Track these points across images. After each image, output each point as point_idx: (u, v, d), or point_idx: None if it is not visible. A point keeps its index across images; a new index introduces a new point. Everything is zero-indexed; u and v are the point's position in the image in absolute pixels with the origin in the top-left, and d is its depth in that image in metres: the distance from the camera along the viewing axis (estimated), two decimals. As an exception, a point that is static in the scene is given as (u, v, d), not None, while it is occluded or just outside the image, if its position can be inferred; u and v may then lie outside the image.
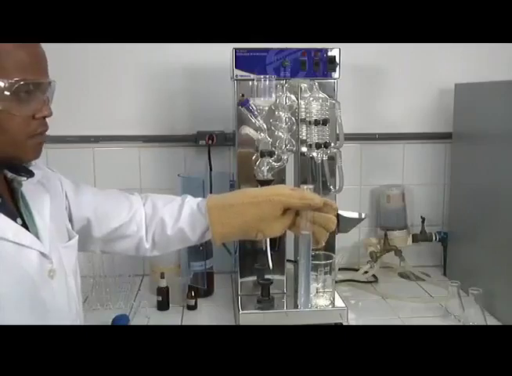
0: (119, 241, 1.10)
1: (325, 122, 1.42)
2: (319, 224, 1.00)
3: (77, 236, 1.01)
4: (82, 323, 1.02)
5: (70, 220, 1.05)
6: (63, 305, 0.92)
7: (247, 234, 1.04)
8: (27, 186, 0.92)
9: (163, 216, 1.09)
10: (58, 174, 1.06)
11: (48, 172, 1.02)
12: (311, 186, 1.03)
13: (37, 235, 0.89)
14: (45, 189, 0.97)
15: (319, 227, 1.01)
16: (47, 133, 0.92)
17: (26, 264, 0.85)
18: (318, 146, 1.43)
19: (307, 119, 1.45)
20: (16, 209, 0.90)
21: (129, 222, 1.09)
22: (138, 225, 1.10)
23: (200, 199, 1.11)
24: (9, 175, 0.90)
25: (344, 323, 1.48)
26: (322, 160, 1.46)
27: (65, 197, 1.05)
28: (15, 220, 0.86)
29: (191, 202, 1.10)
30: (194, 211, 1.08)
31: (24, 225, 0.88)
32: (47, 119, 0.89)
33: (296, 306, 1.49)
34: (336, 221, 1.01)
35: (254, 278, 1.58)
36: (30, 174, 0.92)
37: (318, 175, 1.48)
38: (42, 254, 0.88)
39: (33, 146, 0.87)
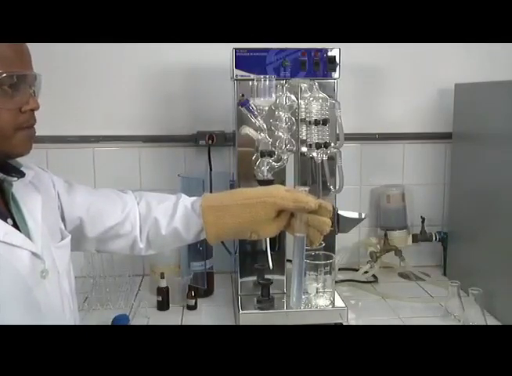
0: (113, 241, 1.10)
1: (325, 122, 1.42)
2: (313, 226, 1.00)
3: (70, 236, 1.01)
4: (77, 323, 1.02)
5: (63, 220, 1.05)
6: (56, 305, 0.92)
7: (242, 235, 1.05)
8: (18, 187, 0.92)
9: (157, 216, 1.09)
10: (50, 174, 1.06)
11: (40, 172, 1.02)
12: (306, 188, 1.03)
13: (28, 235, 0.89)
14: (37, 190, 0.97)
15: (314, 229, 1.00)
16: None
17: (18, 264, 0.85)
18: (318, 146, 1.43)
19: (307, 119, 1.45)
20: (7, 210, 0.90)
21: (123, 221, 1.09)
22: (132, 224, 1.09)
23: (194, 198, 1.11)
24: (0, 175, 0.89)
25: (344, 323, 1.48)
26: (322, 160, 1.46)
27: (57, 197, 1.04)
28: (5, 220, 0.86)
29: (185, 201, 1.10)
30: (188, 211, 1.08)
31: (15, 225, 0.88)
32: (36, 113, 0.89)
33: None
34: (330, 223, 1.00)
35: (254, 278, 1.58)
36: (21, 174, 0.92)
37: (318, 175, 1.48)
38: (34, 254, 0.88)
39: (21, 139, 0.87)
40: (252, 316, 1.47)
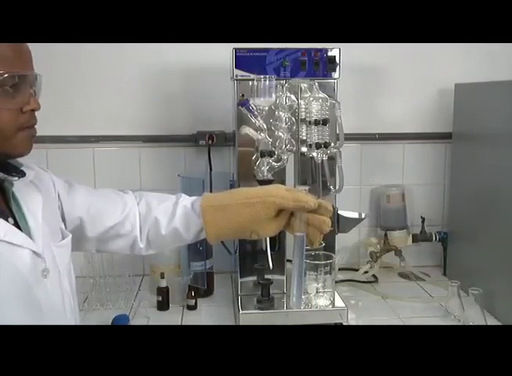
0: (113, 240, 1.10)
1: (325, 122, 1.42)
2: (313, 225, 1.00)
3: (71, 236, 1.02)
4: (77, 322, 1.02)
5: (63, 220, 1.05)
6: (57, 304, 0.93)
7: (241, 234, 1.05)
8: (19, 186, 0.92)
9: (157, 216, 1.09)
10: (50, 174, 1.06)
11: (40, 172, 1.02)
12: (306, 188, 1.03)
13: (29, 234, 0.89)
14: (38, 190, 0.97)
15: (314, 229, 1.00)
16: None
17: (19, 263, 0.85)
18: (318, 146, 1.43)
19: (307, 119, 1.45)
20: (8, 209, 0.90)
21: (123, 221, 1.09)
22: (132, 224, 1.10)
23: (194, 198, 1.11)
24: (0, 175, 0.89)
25: (344, 323, 1.48)
26: (322, 160, 1.46)
27: (57, 197, 1.04)
28: (6, 220, 0.87)
29: (185, 201, 1.10)
30: (188, 211, 1.08)
31: (16, 225, 0.89)
32: (36, 113, 0.89)
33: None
34: (330, 223, 1.00)
35: (254, 278, 1.58)
36: (22, 174, 0.92)
37: (318, 175, 1.48)
38: (35, 253, 0.88)
39: (23, 139, 0.87)
40: (252, 316, 1.47)
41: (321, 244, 1.07)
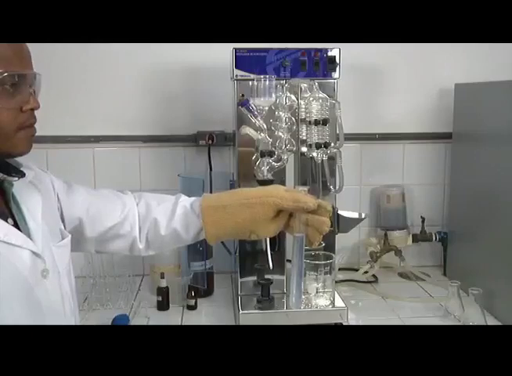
0: (113, 241, 1.10)
1: (325, 122, 1.42)
2: (312, 226, 1.00)
3: (70, 236, 1.02)
4: (77, 322, 1.02)
5: (63, 220, 1.05)
6: (57, 305, 0.93)
7: (241, 235, 1.05)
8: (19, 187, 0.92)
9: (156, 216, 1.09)
10: (50, 174, 1.06)
11: (40, 173, 1.02)
12: (305, 188, 1.03)
13: (29, 235, 0.89)
14: (37, 190, 0.97)
15: (313, 229, 1.00)
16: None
17: (19, 264, 0.85)
18: (318, 146, 1.43)
19: (307, 119, 1.45)
20: (8, 210, 0.90)
21: (122, 221, 1.09)
22: (131, 225, 1.10)
23: (193, 198, 1.11)
24: (0, 175, 0.89)
25: (344, 323, 1.48)
26: (322, 160, 1.46)
27: (57, 197, 1.04)
28: (6, 220, 0.87)
29: (184, 202, 1.11)
30: (188, 212, 1.08)
31: (16, 225, 0.89)
32: (36, 112, 0.89)
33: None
34: (329, 223, 1.00)
35: (254, 278, 1.58)
36: (21, 174, 0.92)
37: (318, 175, 1.48)
38: (35, 253, 0.88)
39: (23, 138, 0.87)
40: (252, 316, 1.47)
41: (320, 244, 1.07)
